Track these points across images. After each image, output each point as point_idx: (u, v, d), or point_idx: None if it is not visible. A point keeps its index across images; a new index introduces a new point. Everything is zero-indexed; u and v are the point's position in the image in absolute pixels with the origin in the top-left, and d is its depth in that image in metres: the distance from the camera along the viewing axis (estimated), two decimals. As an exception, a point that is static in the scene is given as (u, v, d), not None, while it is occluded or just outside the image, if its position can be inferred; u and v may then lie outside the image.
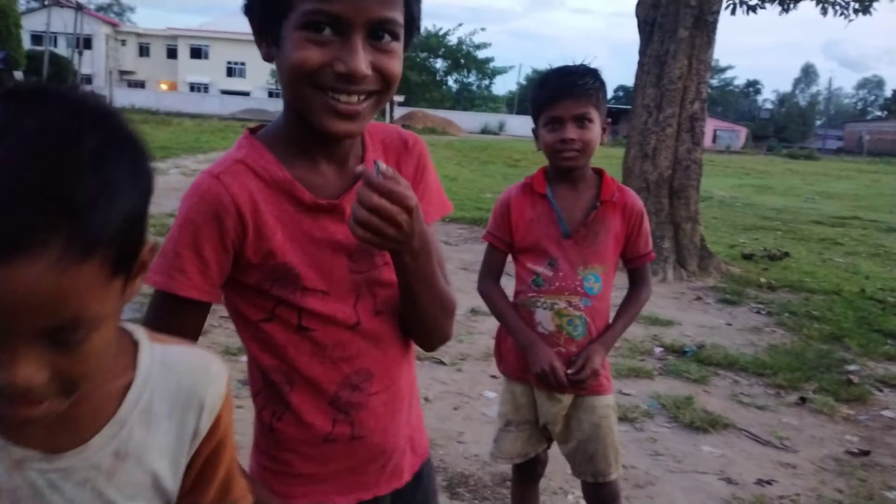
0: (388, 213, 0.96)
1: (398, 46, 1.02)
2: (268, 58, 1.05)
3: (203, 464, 0.89)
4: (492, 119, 48.49)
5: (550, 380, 2.01)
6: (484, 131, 44.94)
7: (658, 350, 4.86)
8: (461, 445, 3.28)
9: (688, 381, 4.30)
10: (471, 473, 3.03)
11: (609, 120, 2.09)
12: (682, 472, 3.19)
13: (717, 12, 7.36)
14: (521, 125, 42.62)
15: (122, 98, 41.85)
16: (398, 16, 0.99)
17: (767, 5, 10.03)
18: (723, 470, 3.23)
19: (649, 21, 7.42)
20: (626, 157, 7.67)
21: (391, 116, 50.52)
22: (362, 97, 1.01)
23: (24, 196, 0.60)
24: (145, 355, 0.84)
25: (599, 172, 2.13)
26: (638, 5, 7.53)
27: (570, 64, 2.10)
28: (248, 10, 1.05)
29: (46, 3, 46.54)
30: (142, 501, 0.83)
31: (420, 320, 1.17)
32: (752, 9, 10.06)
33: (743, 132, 55.57)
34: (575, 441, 2.14)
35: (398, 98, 51.46)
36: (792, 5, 9.77)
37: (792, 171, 28.92)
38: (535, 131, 2.13)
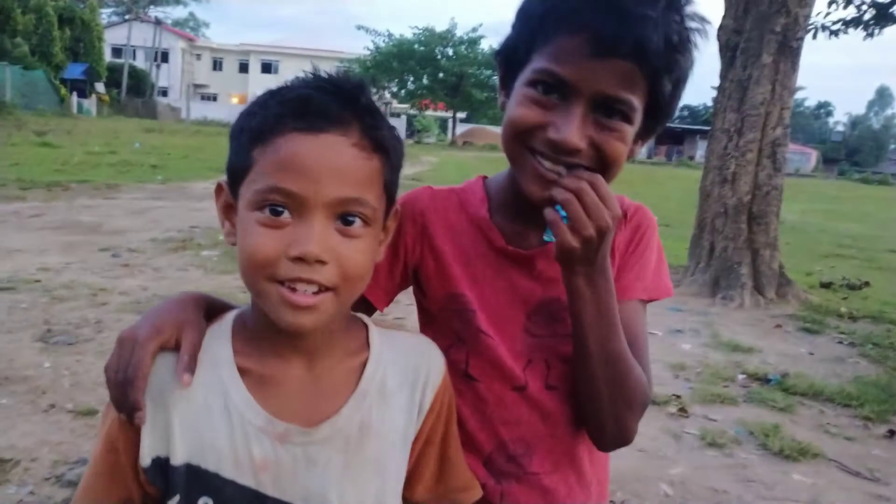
0: (586, 212, 0.89)
1: (627, 128, 0.92)
2: (501, 107, 1.01)
3: (423, 444, 0.96)
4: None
5: None
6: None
7: (741, 377, 4.85)
8: None
9: (773, 410, 4.29)
10: None
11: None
12: (775, 500, 3.21)
13: (802, 38, 7.30)
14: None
15: (196, 110, 43.22)
16: (635, 100, 0.90)
17: (850, 30, 9.91)
18: (815, 499, 3.23)
19: (731, 46, 7.40)
20: (703, 180, 7.65)
21: (453, 132, 50.85)
22: (571, 169, 0.92)
23: (335, 94, 0.83)
24: (375, 337, 0.97)
25: None
26: (720, 29, 7.50)
27: None
28: (496, 55, 1.03)
29: (127, 17, 48.60)
30: (380, 479, 0.91)
31: (591, 394, 1.00)
32: (835, 33, 9.95)
33: (813, 155, 53.97)
34: None
35: (461, 115, 51.65)
36: (877, 31, 9.62)
37: (865, 196, 28.07)
38: None
